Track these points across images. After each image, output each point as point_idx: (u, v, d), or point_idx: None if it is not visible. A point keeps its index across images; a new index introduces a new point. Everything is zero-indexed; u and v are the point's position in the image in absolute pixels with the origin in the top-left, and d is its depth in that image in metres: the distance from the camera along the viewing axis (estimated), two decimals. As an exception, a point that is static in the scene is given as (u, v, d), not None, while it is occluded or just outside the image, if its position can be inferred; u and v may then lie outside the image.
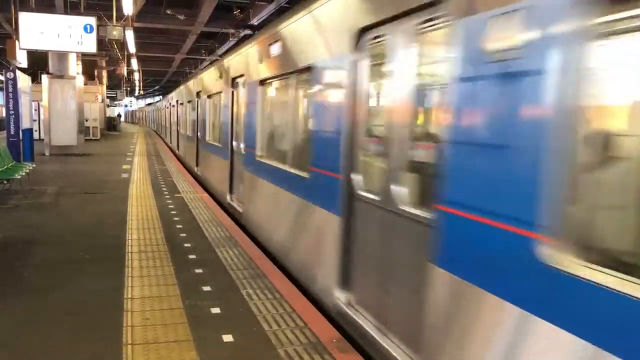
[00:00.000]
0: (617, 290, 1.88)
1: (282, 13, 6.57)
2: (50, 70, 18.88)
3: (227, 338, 3.95)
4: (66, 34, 15.33)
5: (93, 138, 27.14)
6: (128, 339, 3.88)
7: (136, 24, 19.47)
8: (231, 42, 23.67)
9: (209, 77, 12.24)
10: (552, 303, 2.15)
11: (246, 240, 6.99)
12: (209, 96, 11.99)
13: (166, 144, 26.81)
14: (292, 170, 5.77)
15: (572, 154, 2.18)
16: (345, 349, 3.82)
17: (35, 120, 23.18)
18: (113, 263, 5.77)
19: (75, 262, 5.83)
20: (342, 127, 4.25)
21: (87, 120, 25.32)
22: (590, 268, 2.03)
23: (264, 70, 7.02)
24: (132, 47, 22.58)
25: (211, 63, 14.88)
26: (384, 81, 3.86)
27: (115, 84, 46.45)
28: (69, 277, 5.28)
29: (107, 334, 3.99)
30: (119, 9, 16.31)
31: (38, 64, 21.97)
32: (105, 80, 33.62)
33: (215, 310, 4.50)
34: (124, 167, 15.36)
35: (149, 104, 64.36)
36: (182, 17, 20.63)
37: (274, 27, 6.60)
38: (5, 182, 9.90)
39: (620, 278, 1.93)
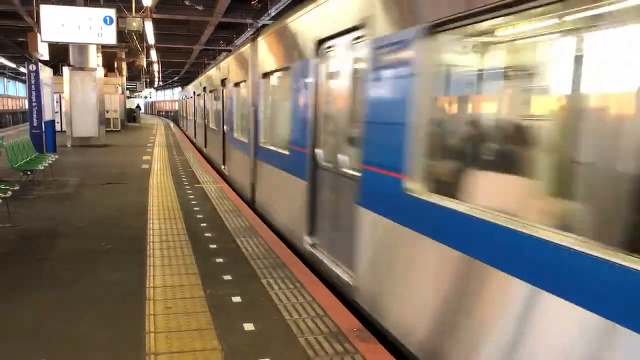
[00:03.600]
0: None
1: (299, 3, 6.41)
2: (71, 62, 19.05)
3: (248, 327, 3.97)
4: (86, 26, 15.44)
5: (113, 129, 27.42)
6: (150, 327, 3.92)
7: (155, 15, 19.55)
8: (249, 32, 23.63)
9: (286, 39, 7.08)
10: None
11: (266, 229, 7.01)
12: (284, 68, 7.13)
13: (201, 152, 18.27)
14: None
15: None
16: (366, 338, 3.82)
17: (57, 112, 23.52)
18: (135, 253, 5.84)
19: (98, 252, 5.91)
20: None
21: (107, 112, 25.58)
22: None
23: None
24: (151, 39, 22.71)
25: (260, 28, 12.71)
26: None
27: (135, 75, 46.77)
28: (91, 267, 5.36)
29: (129, 322, 4.04)
30: (138, 0, 16.38)
31: (59, 56, 22.22)
32: (125, 71, 33.86)
33: (236, 299, 4.53)
34: (144, 158, 15.50)
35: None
36: (200, 8, 20.64)
37: None
38: (28, 173, 10.07)
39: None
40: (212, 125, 15.64)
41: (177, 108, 50.08)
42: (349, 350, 3.62)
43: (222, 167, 12.73)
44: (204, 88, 17.59)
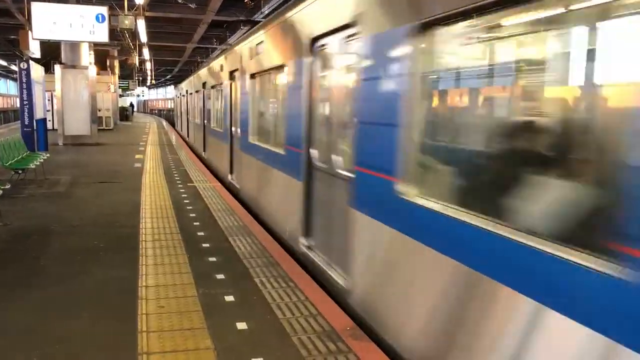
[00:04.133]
0: None
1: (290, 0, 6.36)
2: (63, 60, 18.95)
3: (241, 326, 3.97)
4: (78, 24, 15.33)
5: (106, 128, 27.30)
6: (143, 327, 3.91)
7: (147, 13, 19.46)
8: (242, 30, 23.57)
9: None
10: None
11: (259, 228, 6.99)
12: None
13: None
14: None
15: None
16: (360, 336, 3.82)
17: (48, 111, 23.38)
18: (127, 252, 5.81)
19: (90, 251, 5.88)
20: None
21: (99, 110, 25.43)
22: None
23: None
24: (143, 37, 22.60)
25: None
26: None
27: (127, 73, 46.54)
28: (84, 266, 5.32)
29: (122, 321, 4.02)
30: (130, -2, 16.31)
31: (51, 54, 22.10)
32: (117, 70, 33.71)
33: (229, 298, 4.52)
34: (137, 156, 15.42)
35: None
36: (193, 6, 20.57)
37: None
38: (20, 171, 10.00)
39: None
40: (254, 140, 8.48)
41: (170, 107, 49.66)
42: (342, 349, 3.62)
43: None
44: (231, 73, 10.41)
